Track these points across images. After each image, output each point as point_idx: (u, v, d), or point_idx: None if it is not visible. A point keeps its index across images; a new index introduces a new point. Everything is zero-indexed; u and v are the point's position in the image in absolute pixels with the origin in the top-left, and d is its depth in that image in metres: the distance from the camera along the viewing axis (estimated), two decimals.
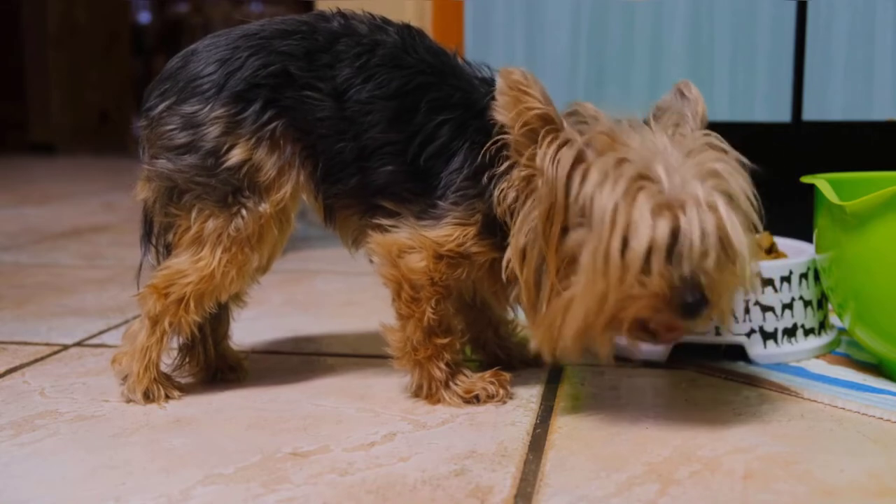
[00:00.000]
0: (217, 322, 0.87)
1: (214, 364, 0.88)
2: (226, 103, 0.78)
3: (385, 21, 0.82)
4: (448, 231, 0.77)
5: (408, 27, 0.82)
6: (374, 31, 0.81)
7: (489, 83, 0.80)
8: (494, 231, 0.77)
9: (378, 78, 0.79)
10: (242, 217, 0.79)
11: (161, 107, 0.80)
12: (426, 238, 0.78)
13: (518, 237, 0.73)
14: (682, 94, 0.77)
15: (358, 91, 0.79)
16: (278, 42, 0.80)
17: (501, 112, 0.72)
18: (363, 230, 0.82)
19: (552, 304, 0.71)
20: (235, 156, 0.78)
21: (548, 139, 0.71)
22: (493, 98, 0.75)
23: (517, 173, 0.74)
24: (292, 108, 0.79)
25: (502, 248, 0.77)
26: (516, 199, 0.74)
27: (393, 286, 0.79)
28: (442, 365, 0.80)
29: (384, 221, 0.80)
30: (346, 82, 0.79)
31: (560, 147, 0.70)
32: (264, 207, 0.79)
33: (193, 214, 0.79)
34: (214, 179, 0.78)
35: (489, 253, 0.78)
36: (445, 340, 0.80)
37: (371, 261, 0.82)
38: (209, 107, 0.78)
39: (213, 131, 0.78)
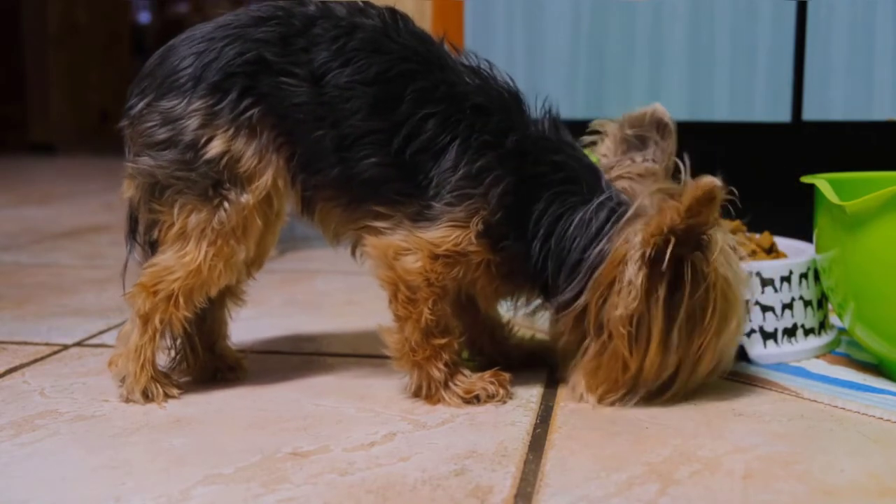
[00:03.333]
0: (206, 320, 0.87)
1: (211, 363, 0.87)
2: (203, 95, 0.77)
3: (367, 4, 0.81)
4: (445, 232, 0.77)
5: (391, 10, 0.81)
6: (353, 13, 0.80)
7: (475, 72, 0.80)
8: (492, 234, 0.78)
9: (357, 62, 0.78)
10: (225, 209, 0.78)
11: (141, 104, 0.80)
12: (421, 239, 0.77)
13: (656, 325, 0.75)
14: (663, 131, 0.82)
15: (336, 76, 0.78)
16: (253, 30, 0.79)
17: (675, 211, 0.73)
18: (349, 226, 0.82)
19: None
20: (214, 148, 0.77)
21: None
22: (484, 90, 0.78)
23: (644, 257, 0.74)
24: (269, 94, 0.78)
25: (497, 249, 0.78)
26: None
27: (389, 288, 0.79)
28: (441, 365, 0.80)
29: (378, 224, 0.79)
30: (324, 66, 0.78)
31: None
32: (246, 198, 0.79)
33: (176, 210, 0.79)
34: (194, 173, 0.78)
35: (484, 253, 0.78)
36: (444, 341, 0.80)
37: (358, 259, 0.82)
38: (187, 100, 0.78)
39: (191, 124, 0.77)
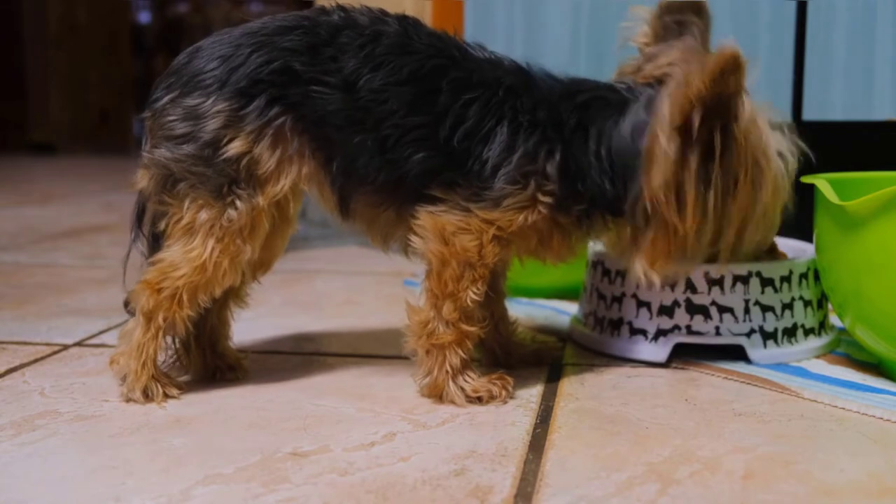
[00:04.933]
0: (209, 320, 0.87)
1: (212, 363, 0.88)
2: (228, 98, 0.78)
3: (383, 12, 0.83)
4: (511, 215, 0.79)
5: (404, 17, 0.83)
6: (375, 22, 0.81)
7: (491, 61, 0.82)
8: (559, 201, 0.80)
9: (388, 65, 0.79)
10: (236, 208, 0.79)
11: (165, 99, 0.81)
12: (484, 221, 0.78)
13: (690, 190, 0.77)
14: (699, 11, 0.84)
15: (369, 80, 0.79)
16: (280, 38, 0.80)
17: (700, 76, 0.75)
18: (400, 226, 0.83)
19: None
20: (235, 148, 0.78)
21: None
22: (518, 78, 0.81)
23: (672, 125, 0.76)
24: (300, 103, 0.79)
25: (567, 211, 0.81)
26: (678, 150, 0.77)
27: (437, 263, 0.79)
28: (461, 352, 0.80)
29: (430, 208, 0.80)
30: (355, 72, 0.79)
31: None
32: (258, 200, 0.79)
33: (187, 203, 0.80)
34: (211, 170, 0.79)
35: (557, 218, 0.81)
36: (472, 329, 0.81)
37: (409, 243, 0.82)
38: (211, 100, 0.79)
39: (213, 123, 0.78)
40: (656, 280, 0.82)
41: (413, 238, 0.81)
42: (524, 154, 0.78)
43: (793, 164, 0.83)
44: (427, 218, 0.80)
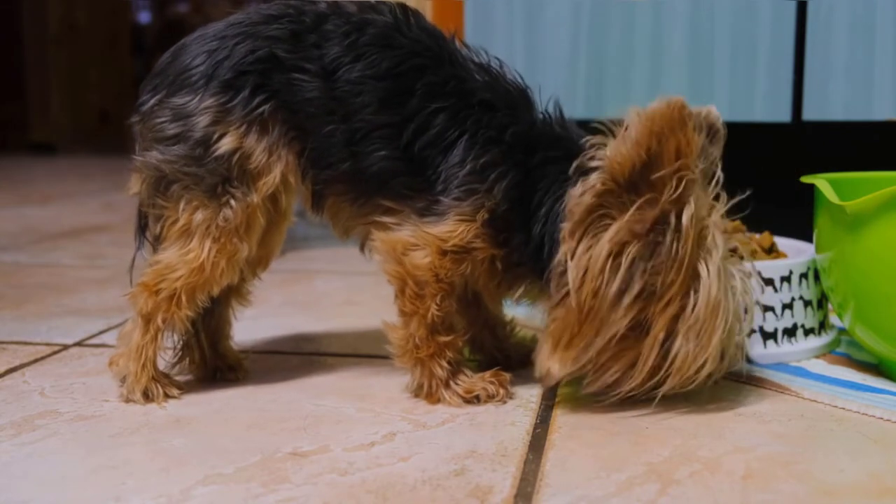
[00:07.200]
0: (212, 319, 0.87)
1: (212, 363, 0.88)
2: (215, 93, 0.78)
3: (378, 1, 0.81)
4: (451, 227, 0.77)
5: (403, 6, 0.81)
6: (364, 9, 0.80)
7: (485, 69, 0.80)
8: (497, 227, 0.78)
9: (368, 57, 0.78)
10: (231, 207, 0.79)
11: (152, 101, 0.80)
12: (429, 235, 0.77)
13: (630, 283, 0.71)
14: (713, 136, 0.77)
15: (348, 70, 0.78)
16: (264, 27, 0.79)
17: (628, 142, 0.70)
18: (358, 221, 0.82)
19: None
20: (225, 144, 0.77)
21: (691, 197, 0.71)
22: (497, 86, 0.78)
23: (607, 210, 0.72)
24: (281, 90, 0.78)
25: (501, 243, 0.78)
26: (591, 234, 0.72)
27: (397, 283, 0.79)
28: (444, 363, 0.80)
29: (386, 220, 0.79)
30: (335, 61, 0.78)
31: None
32: (253, 197, 0.79)
33: (181, 205, 0.79)
34: (203, 169, 0.78)
35: (489, 249, 0.78)
36: (448, 338, 0.80)
37: (368, 254, 0.82)
38: (199, 97, 0.78)
39: (202, 121, 0.78)
40: (554, 371, 0.75)
41: (376, 257, 0.80)
42: (472, 171, 0.76)
43: (745, 292, 0.75)
44: (381, 237, 0.79)
